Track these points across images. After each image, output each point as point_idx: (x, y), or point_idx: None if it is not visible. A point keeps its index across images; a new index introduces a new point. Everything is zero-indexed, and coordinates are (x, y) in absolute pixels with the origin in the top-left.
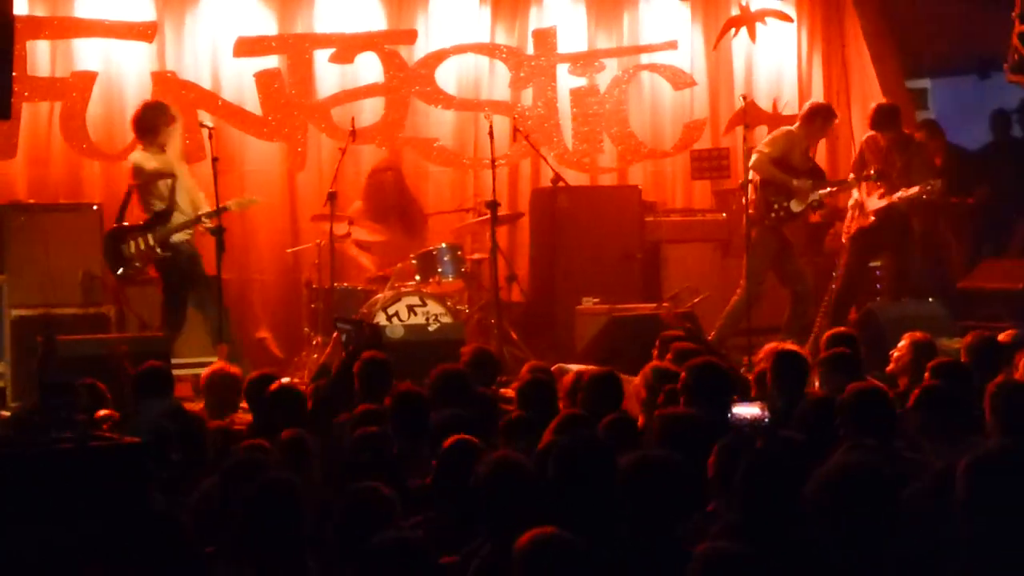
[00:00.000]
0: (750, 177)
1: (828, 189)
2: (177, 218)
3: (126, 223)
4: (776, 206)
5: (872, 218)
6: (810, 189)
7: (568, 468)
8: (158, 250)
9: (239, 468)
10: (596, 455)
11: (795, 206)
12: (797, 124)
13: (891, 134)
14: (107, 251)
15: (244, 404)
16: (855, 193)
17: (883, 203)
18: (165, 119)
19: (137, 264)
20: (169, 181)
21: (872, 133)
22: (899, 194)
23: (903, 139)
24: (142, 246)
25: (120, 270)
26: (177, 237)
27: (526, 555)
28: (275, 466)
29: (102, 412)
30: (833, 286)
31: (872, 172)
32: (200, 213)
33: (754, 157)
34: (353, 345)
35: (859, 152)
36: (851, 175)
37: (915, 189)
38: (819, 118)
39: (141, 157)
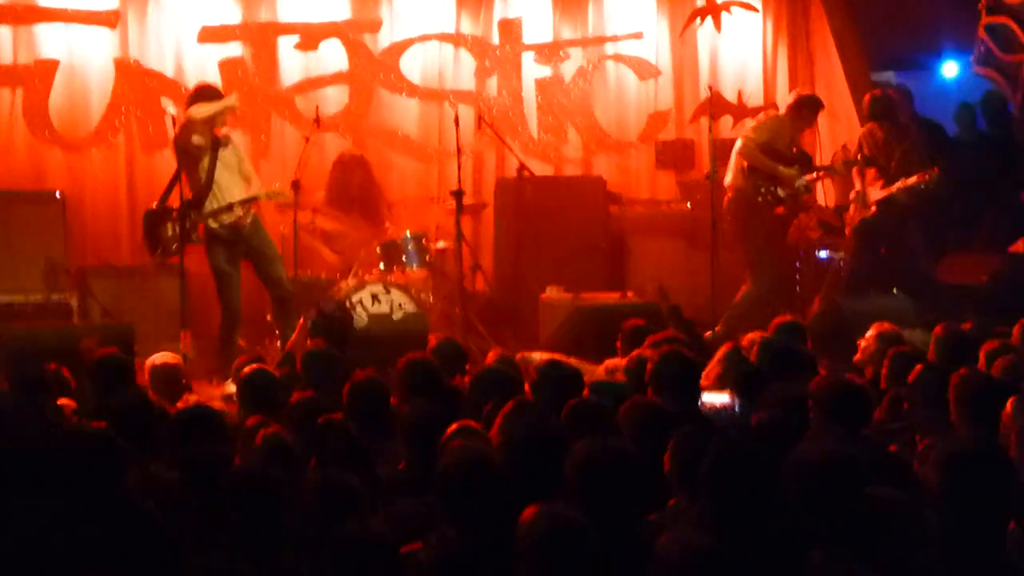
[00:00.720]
0: (743, 163)
1: (815, 174)
2: (210, 204)
3: (168, 205)
4: (763, 190)
5: (873, 208)
6: (797, 175)
7: (522, 457)
8: (193, 236)
9: (207, 457)
10: (546, 444)
11: (781, 191)
12: (784, 111)
13: (887, 124)
14: (146, 232)
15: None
16: (857, 184)
17: (884, 194)
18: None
19: (174, 247)
20: (206, 164)
21: (869, 124)
22: (898, 184)
23: (900, 128)
24: (178, 230)
25: (157, 251)
26: (217, 221)
27: (532, 530)
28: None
29: (62, 400)
30: (843, 276)
31: (860, 157)
32: (232, 201)
33: (740, 143)
34: (322, 331)
35: (858, 144)
36: (834, 162)
37: (913, 179)
38: (806, 108)
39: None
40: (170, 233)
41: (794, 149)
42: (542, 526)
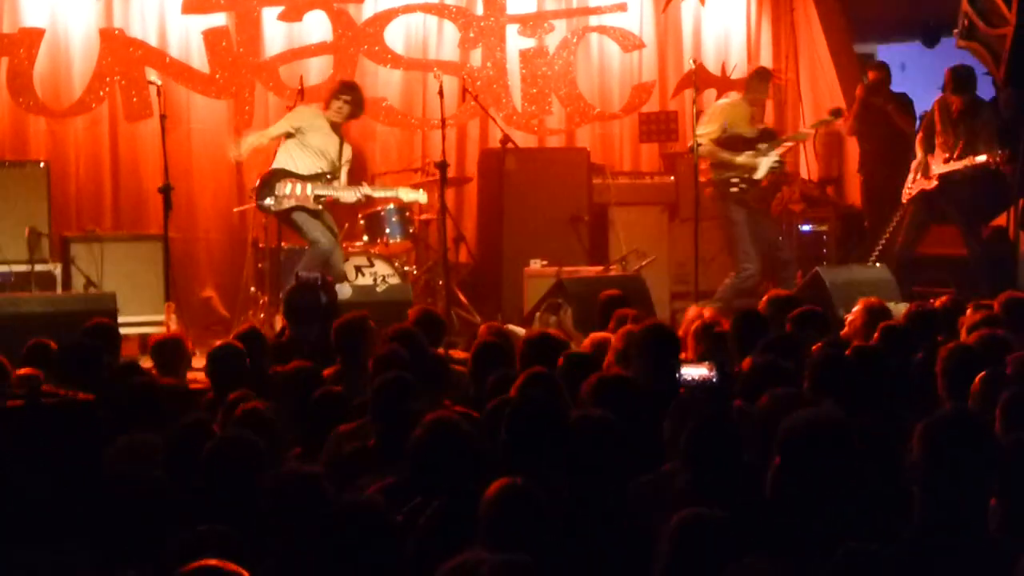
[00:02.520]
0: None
1: (782, 147)
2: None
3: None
4: (735, 179)
5: (935, 182)
6: (759, 155)
7: (517, 427)
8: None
9: (196, 428)
10: (543, 414)
11: (756, 174)
12: (737, 94)
13: (967, 98)
14: (263, 183)
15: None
16: (919, 154)
17: (947, 168)
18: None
19: (285, 204)
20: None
21: (945, 96)
22: (965, 161)
23: (975, 105)
24: (297, 191)
25: (266, 200)
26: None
27: (494, 503)
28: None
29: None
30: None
31: (925, 127)
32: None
33: (697, 147)
34: (307, 300)
35: (928, 113)
36: (806, 126)
37: (983, 157)
38: (755, 80)
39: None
40: (287, 191)
41: (758, 127)
42: (501, 499)
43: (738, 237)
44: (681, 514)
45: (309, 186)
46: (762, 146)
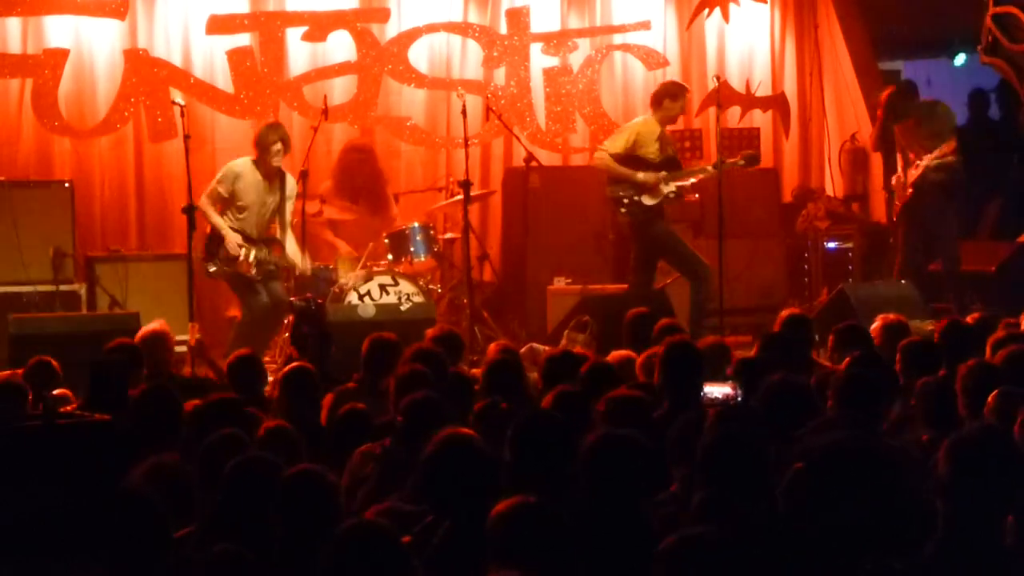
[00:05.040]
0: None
1: (687, 181)
2: None
3: None
4: (627, 200)
5: (910, 190)
6: (660, 180)
7: (524, 445)
8: None
9: (218, 447)
10: (550, 431)
11: (647, 200)
12: (644, 115)
13: (915, 113)
14: (207, 244)
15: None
16: (899, 171)
17: (917, 173)
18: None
19: (227, 268)
20: None
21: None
22: (923, 161)
23: (925, 109)
24: (242, 256)
25: (210, 268)
26: None
27: (505, 521)
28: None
29: (56, 392)
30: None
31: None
32: None
33: (595, 156)
34: (306, 326)
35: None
36: (710, 164)
37: (935, 152)
38: (664, 98)
39: None
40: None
41: (667, 152)
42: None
43: (670, 249)
44: (669, 539)
45: (253, 252)
46: (663, 173)
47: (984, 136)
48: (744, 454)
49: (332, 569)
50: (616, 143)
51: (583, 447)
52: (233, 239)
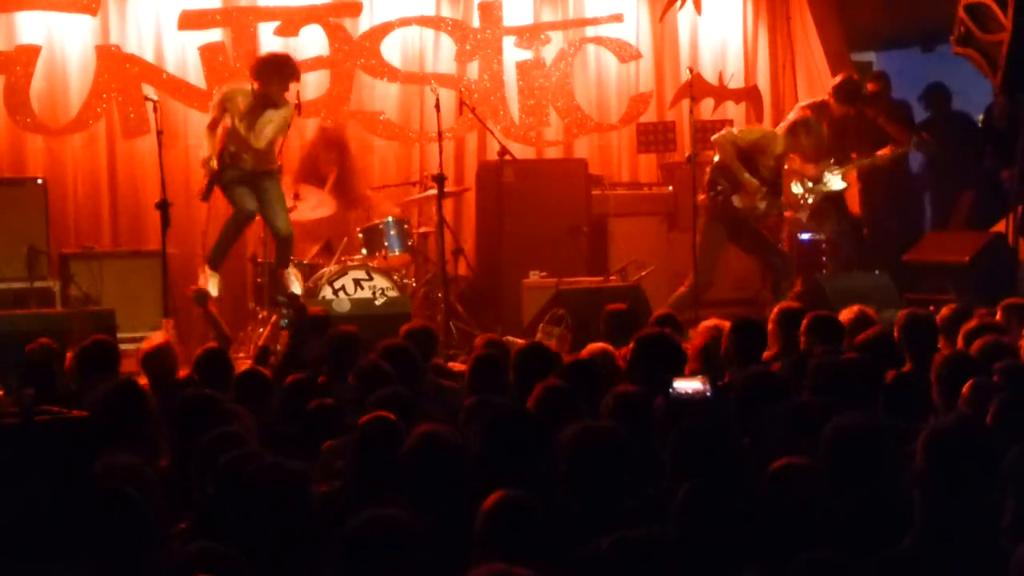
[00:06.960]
0: (714, 158)
1: (779, 210)
2: None
3: None
4: (719, 187)
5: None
6: (757, 192)
7: (497, 440)
8: None
9: (213, 443)
10: (526, 426)
11: (736, 200)
12: (782, 129)
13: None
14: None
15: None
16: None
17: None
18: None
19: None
20: None
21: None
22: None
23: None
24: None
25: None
26: None
27: (492, 516)
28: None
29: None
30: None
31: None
32: None
33: (720, 133)
34: (295, 325)
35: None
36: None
37: (887, 148)
38: (801, 127)
39: None
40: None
41: (778, 173)
42: (498, 511)
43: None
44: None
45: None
46: (764, 188)
47: (949, 129)
48: (713, 448)
49: (346, 561)
50: (745, 137)
51: (563, 441)
52: None
